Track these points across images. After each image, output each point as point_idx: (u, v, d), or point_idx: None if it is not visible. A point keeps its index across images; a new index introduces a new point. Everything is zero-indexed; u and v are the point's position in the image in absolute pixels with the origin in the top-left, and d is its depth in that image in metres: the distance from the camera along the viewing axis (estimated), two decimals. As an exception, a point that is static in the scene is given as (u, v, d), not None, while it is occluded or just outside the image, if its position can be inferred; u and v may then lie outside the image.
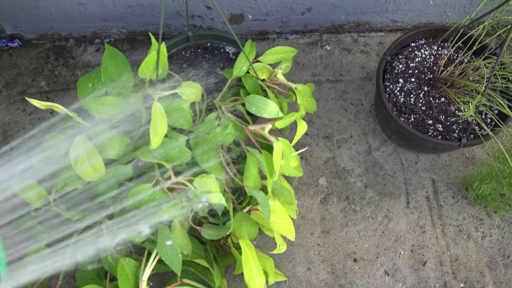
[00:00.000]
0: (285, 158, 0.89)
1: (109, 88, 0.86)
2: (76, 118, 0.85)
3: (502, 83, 0.96)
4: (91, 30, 1.26)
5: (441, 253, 1.04)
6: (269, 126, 0.87)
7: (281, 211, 0.96)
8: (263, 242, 1.04)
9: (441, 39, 0.97)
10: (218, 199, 0.81)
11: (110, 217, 0.94)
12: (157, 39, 0.77)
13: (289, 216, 0.99)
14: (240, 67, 0.93)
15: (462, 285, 1.01)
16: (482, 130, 0.97)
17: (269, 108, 0.88)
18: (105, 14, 1.19)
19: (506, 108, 0.91)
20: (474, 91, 0.96)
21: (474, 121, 0.95)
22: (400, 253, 1.04)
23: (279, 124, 0.88)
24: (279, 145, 0.84)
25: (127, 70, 0.89)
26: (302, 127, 0.92)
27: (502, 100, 0.91)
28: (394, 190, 1.10)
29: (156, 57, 0.79)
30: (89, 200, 1.09)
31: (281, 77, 0.94)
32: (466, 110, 0.94)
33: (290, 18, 1.24)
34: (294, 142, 0.93)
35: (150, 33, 0.85)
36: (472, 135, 0.97)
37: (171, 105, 0.86)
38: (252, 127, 0.89)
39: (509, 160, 0.87)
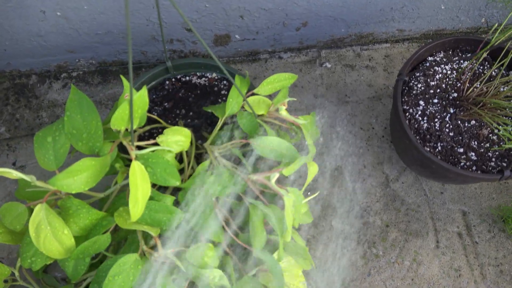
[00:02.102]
0: (295, 209, 0.73)
1: (74, 142, 0.69)
2: (35, 182, 0.68)
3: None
4: (56, 64, 1.09)
5: (482, 300, 0.89)
6: (276, 175, 0.71)
7: (294, 269, 0.80)
8: (275, 305, 0.88)
9: (480, 53, 0.82)
10: (217, 278, 0.64)
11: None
12: (128, 74, 0.61)
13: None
14: (233, 104, 0.77)
15: (509, 335, 0.86)
16: (522, 156, 0.82)
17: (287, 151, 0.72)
18: (70, 45, 1.02)
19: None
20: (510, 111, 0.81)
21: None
22: (436, 305, 0.88)
23: (286, 172, 0.72)
24: (290, 198, 0.68)
25: (95, 118, 0.72)
26: (313, 170, 0.77)
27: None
28: (420, 228, 0.95)
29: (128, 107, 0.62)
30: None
31: (284, 113, 0.79)
32: (505, 135, 0.79)
33: (283, 35, 1.09)
34: (304, 187, 0.77)
35: (122, 76, 0.68)
36: (512, 163, 0.82)
37: (153, 159, 0.69)
38: (254, 177, 0.73)
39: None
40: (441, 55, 0.92)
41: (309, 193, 0.98)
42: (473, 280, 0.90)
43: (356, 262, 0.92)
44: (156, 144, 0.71)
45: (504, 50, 0.83)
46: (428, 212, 0.96)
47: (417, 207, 0.97)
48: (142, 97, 0.63)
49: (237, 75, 0.80)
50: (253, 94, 0.82)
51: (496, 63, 0.84)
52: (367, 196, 0.98)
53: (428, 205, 0.97)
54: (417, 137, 0.85)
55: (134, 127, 0.68)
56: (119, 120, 0.62)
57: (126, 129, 0.69)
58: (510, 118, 0.80)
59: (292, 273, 0.80)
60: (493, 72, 0.89)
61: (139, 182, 0.61)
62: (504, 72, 0.88)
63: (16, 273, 0.80)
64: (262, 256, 0.71)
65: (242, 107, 0.82)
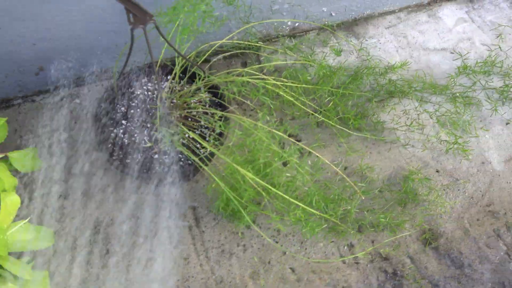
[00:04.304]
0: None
1: None
2: None
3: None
4: None
5: (206, 279, 1.04)
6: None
7: None
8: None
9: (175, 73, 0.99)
10: None
11: None
12: None
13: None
14: None
15: (235, 303, 1.02)
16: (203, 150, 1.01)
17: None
18: None
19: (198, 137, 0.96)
20: (194, 119, 1.00)
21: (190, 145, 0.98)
22: (166, 293, 1.02)
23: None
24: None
25: None
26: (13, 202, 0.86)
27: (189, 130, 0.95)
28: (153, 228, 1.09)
29: None
30: None
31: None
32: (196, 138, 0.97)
33: (25, 81, 1.19)
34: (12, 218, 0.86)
35: None
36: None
37: None
38: None
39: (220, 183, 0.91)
40: (144, 79, 1.09)
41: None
42: (199, 264, 1.06)
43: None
44: None
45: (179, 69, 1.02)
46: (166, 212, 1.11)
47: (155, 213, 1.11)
48: None
49: None
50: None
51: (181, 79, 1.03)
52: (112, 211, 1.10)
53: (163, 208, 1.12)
54: (120, 152, 1.00)
55: None
56: None
57: None
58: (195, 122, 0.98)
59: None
60: (185, 87, 1.08)
61: None
62: (187, 86, 1.08)
63: None
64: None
65: None
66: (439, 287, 1.09)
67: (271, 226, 1.12)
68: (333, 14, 1.36)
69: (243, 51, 1.33)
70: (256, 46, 1.29)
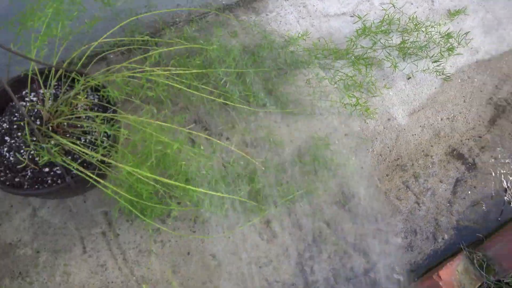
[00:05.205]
0: None
1: None
2: None
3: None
4: None
5: (127, 282, 1.03)
6: None
7: None
8: None
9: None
10: None
11: None
12: None
13: None
14: None
15: (161, 299, 1.02)
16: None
17: None
18: None
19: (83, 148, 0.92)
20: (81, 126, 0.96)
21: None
22: (86, 303, 1.00)
23: None
24: None
25: None
26: None
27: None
28: (68, 241, 1.06)
29: None
30: None
31: None
32: (77, 149, 0.93)
33: None
34: None
35: None
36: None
37: None
38: None
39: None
40: (26, 90, 1.03)
41: None
42: (118, 268, 1.04)
43: (12, 296, 0.99)
44: None
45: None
46: (73, 225, 1.07)
47: (64, 224, 1.07)
48: None
49: None
50: None
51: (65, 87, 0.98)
52: (16, 232, 1.05)
53: (73, 218, 1.08)
54: (7, 171, 0.94)
55: None
56: None
57: None
58: (81, 136, 0.94)
59: None
60: (68, 94, 1.03)
61: None
62: (67, 90, 1.03)
63: None
64: None
65: None
66: (356, 246, 1.14)
67: (187, 217, 1.12)
68: (225, -8, 1.33)
69: (141, 46, 1.29)
70: (143, 39, 1.24)
